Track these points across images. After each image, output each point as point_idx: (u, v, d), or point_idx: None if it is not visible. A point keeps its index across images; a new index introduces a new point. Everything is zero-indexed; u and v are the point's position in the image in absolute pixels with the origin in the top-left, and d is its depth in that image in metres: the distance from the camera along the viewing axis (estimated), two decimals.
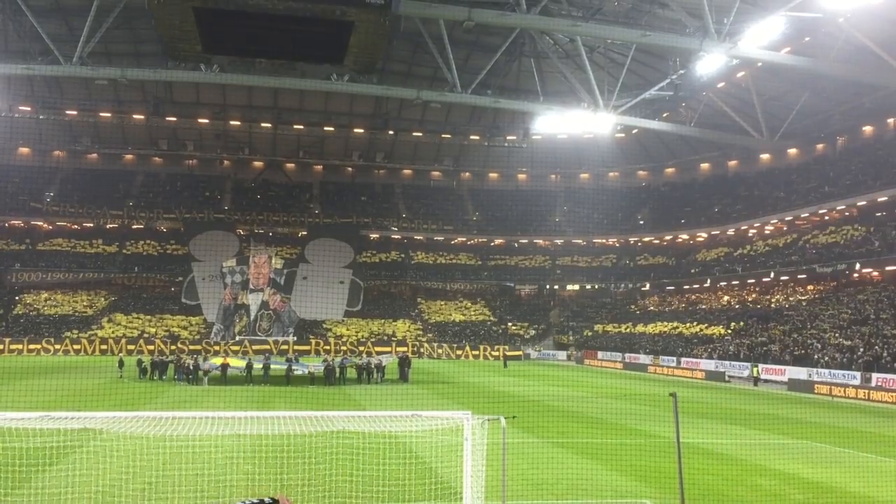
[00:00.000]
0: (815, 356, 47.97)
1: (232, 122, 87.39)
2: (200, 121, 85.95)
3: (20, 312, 75.34)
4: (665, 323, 71.71)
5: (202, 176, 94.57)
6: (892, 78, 55.57)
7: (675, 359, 61.28)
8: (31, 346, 66.99)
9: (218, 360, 45.30)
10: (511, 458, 13.36)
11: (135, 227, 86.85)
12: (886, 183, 59.16)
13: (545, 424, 25.58)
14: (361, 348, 69.61)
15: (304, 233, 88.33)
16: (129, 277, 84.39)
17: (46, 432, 14.90)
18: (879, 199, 59.72)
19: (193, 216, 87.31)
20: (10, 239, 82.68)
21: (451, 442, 14.59)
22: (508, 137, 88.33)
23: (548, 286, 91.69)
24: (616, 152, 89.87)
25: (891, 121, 66.16)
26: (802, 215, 68.93)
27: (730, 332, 61.44)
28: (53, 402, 26.35)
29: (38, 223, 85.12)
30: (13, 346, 66.08)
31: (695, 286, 78.06)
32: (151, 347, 64.63)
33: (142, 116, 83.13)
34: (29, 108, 77.71)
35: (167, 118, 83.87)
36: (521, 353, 76.58)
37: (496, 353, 73.21)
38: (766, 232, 74.34)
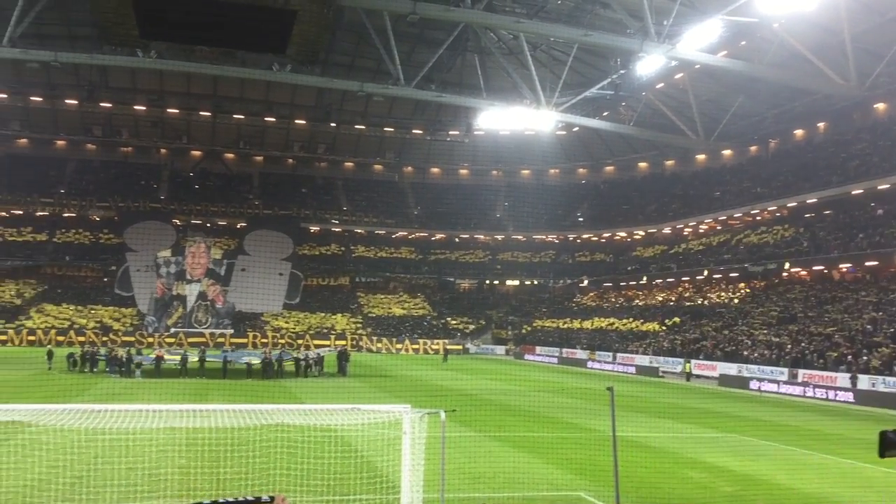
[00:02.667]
0: (745, 352, 49.34)
1: (169, 110, 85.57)
2: (137, 107, 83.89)
3: None
4: (602, 319, 72.85)
5: (138, 164, 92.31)
6: (822, 83, 57.48)
7: (611, 354, 62.33)
8: None
9: (152, 353, 44.52)
10: (449, 451, 13.41)
11: (66, 215, 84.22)
12: (815, 185, 61.01)
13: (483, 418, 25.74)
14: (300, 341, 69.04)
15: (244, 224, 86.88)
16: (59, 267, 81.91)
17: None
18: (809, 201, 61.58)
19: (128, 205, 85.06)
20: None
21: (390, 436, 14.57)
22: (451, 132, 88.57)
23: (487, 281, 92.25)
24: (557, 149, 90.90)
25: (821, 125, 68.24)
26: (735, 215, 70.61)
27: (664, 328, 62.73)
28: None
29: None
30: None
31: (631, 283, 79.44)
32: (82, 339, 62.95)
33: (75, 101, 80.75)
34: None
35: (102, 104, 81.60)
36: (460, 347, 76.94)
37: (436, 347, 73.41)
38: (701, 231, 75.96)
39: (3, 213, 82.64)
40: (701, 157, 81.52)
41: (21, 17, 54.48)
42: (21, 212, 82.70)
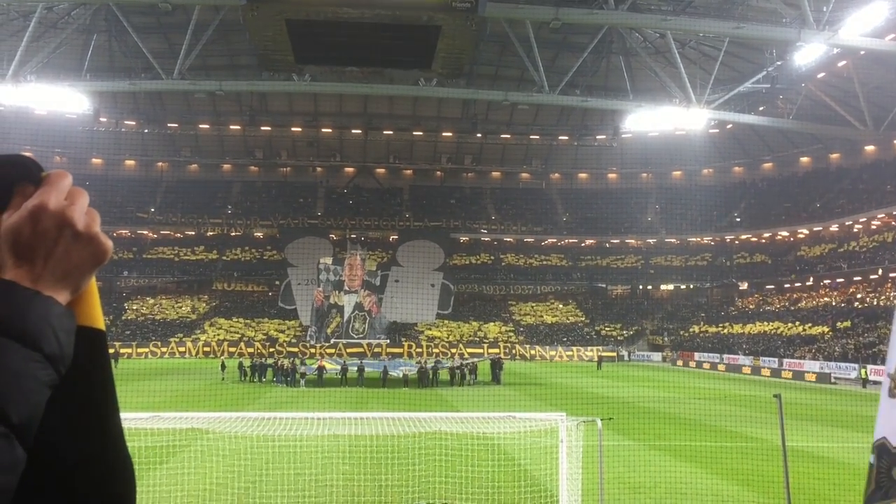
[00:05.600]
0: None
1: (324, 130, 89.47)
2: (293, 129, 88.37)
3: (129, 318, 78.86)
4: (765, 323, 69.41)
5: (296, 183, 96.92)
6: None
7: (776, 360, 59.23)
8: (140, 350, 69.93)
9: (314, 363, 46.38)
10: (607, 460, 13.20)
11: (233, 234, 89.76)
12: None
13: (641, 427, 25.16)
14: (453, 350, 69.91)
15: (395, 237, 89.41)
16: (228, 283, 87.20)
17: (157, 432, 15.57)
18: None
19: (288, 223, 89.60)
20: (118, 247, 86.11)
21: (546, 444, 14.53)
22: (598, 137, 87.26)
23: (640, 286, 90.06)
24: (710, 148, 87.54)
25: None
26: None
27: (833, 332, 58.97)
28: (162, 403, 27.46)
29: (144, 232, 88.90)
30: (123, 350, 68.61)
31: (796, 284, 75.29)
32: (251, 350, 66.56)
33: (238, 127, 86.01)
34: (134, 123, 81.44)
35: (262, 128, 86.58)
36: (614, 354, 75.41)
37: (589, 355, 72.36)
38: (873, 227, 71.10)
39: (178, 235, 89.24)
40: (870, 148, 76.20)
41: (188, 51, 58.77)
42: (193, 233, 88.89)
